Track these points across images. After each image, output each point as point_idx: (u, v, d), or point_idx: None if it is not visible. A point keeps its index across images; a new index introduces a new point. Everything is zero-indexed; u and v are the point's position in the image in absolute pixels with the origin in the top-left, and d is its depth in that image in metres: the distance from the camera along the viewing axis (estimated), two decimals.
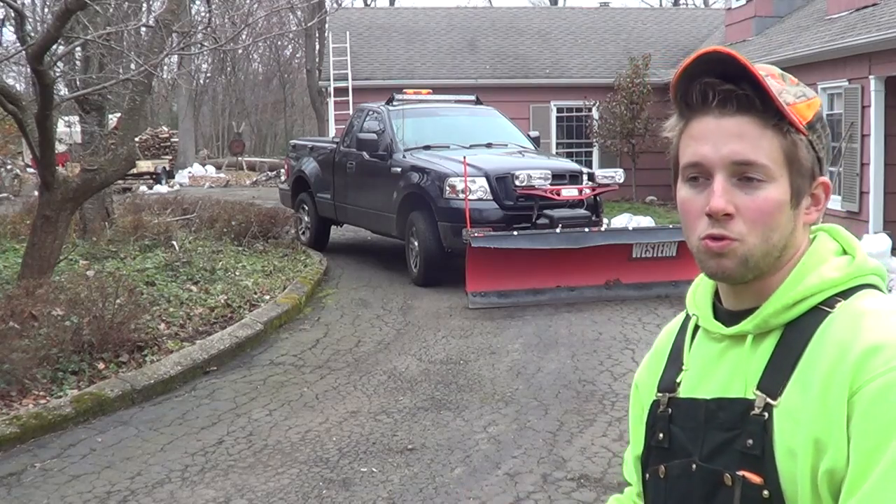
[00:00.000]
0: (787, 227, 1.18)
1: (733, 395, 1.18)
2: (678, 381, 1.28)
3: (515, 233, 8.88)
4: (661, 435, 1.27)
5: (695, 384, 1.25)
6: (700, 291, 1.32)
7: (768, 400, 1.13)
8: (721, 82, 1.15)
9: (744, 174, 1.15)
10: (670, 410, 1.26)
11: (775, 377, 1.15)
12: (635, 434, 1.39)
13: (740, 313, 1.22)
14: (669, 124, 1.23)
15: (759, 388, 1.15)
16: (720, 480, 1.15)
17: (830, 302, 1.16)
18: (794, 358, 1.15)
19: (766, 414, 1.13)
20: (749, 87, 1.14)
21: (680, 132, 1.21)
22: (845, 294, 1.17)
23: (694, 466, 1.19)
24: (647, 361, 1.43)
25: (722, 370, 1.22)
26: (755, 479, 1.12)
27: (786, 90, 1.17)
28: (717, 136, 1.15)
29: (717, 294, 1.29)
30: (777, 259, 1.19)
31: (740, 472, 1.13)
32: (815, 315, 1.16)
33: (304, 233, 12.75)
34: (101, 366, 6.14)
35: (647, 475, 1.30)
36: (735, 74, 1.14)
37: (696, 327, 1.31)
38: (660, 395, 1.29)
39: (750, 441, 1.13)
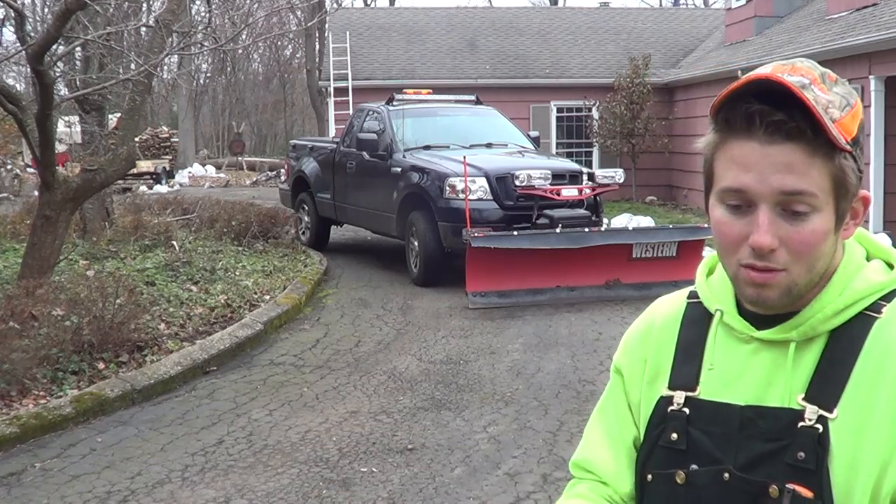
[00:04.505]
0: (830, 252, 1.13)
1: (773, 404, 1.13)
2: (698, 379, 1.21)
3: (515, 233, 8.88)
4: (674, 436, 1.20)
5: (719, 387, 1.19)
6: (718, 284, 1.25)
7: (822, 412, 1.09)
8: (771, 110, 1.07)
9: (790, 206, 1.08)
10: (687, 411, 1.20)
11: (827, 388, 1.10)
12: (621, 425, 1.32)
13: (771, 316, 1.17)
14: (705, 140, 1.15)
15: (807, 398, 1.11)
16: (764, 492, 1.10)
17: (876, 307, 1.13)
18: (847, 367, 1.10)
19: (821, 427, 1.09)
20: (800, 117, 1.06)
21: (715, 147, 1.14)
22: (887, 297, 1.14)
23: (727, 475, 1.14)
24: (632, 345, 1.35)
25: (753, 375, 1.16)
26: (806, 492, 1.08)
27: (831, 103, 1.10)
28: (762, 166, 1.08)
29: None
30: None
31: (790, 485, 1.08)
32: (863, 321, 1.12)
33: (304, 233, 12.75)
34: (101, 366, 6.14)
35: (651, 476, 1.23)
36: (786, 102, 1.07)
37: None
38: (672, 392, 1.23)
39: (802, 454, 1.09)
